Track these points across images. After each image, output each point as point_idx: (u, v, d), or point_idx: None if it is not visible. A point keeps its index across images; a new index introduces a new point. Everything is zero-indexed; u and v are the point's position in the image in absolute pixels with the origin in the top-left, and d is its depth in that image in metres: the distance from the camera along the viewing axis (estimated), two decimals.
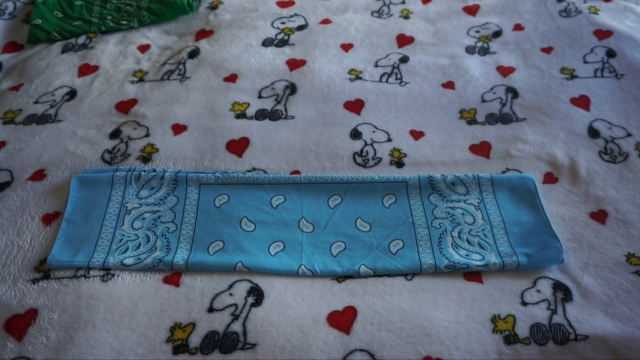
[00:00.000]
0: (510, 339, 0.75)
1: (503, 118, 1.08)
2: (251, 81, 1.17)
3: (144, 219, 0.90)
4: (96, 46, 1.28)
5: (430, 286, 0.82)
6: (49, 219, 0.91)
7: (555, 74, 1.18)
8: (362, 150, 1.02)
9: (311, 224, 0.90)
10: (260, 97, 1.14)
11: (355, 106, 1.11)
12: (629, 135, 1.04)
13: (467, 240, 0.87)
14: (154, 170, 0.95)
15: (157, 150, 1.02)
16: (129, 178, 0.93)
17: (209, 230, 0.88)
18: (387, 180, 0.94)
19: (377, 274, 0.83)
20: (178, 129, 1.07)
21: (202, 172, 0.96)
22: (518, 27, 1.31)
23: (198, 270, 0.83)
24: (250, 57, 1.23)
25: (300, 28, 1.33)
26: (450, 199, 0.92)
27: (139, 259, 0.84)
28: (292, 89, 1.15)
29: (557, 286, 0.81)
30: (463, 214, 0.90)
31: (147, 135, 1.05)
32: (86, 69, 1.22)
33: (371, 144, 1.03)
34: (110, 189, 0.93)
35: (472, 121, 1.08)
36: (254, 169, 0.99)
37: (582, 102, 1.11)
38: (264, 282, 0.82)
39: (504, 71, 1.19)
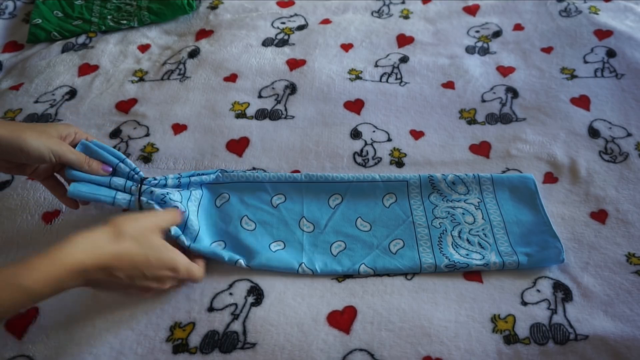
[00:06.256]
0: (510, 338, 0.75)
1: (503, 118, 1.08)
2: (251, 81, 1.17)
3: None
4: (96, 46, 1.28)
5: (430, 286, 0.81)
6: (49, 217, 0.91)
7: (555, 74, 1.18)
8: (362, 150, 1.02)
9: (311, 224, 0.90)
10: (260, 96, 1.14)
11: (355, 106, 1.11)
12: (629, 135, 1.04)
13: (467, 240, 0.87)
14: (155, 179, 0.89)
15: (157, 149, 1.02)
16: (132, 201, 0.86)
17: (210, 230, 0.88)
18: (387, 179, 0.94)
19: (377, 274, 0.83)
20: (178, 128, 1.07)
21: (204, 173, 0.93)
22: (518, 27, 1.31)
23: (198, 256, 0.82)
24: (250, 57, 1.23)
25: (300, 28, 1.33)
26: (451, 198, 0.92)
27: None
28: (292, 88, 1.15)
29: (557, 286, 0.81)
30: (463, 214, 0.90)
31: (147, 135, 1.05)
32: (86, 69, 1.22)
33: (371, 144, 1.03)
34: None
35: (472, 121, 1.08)
36: (254, 168, 0.99)
37: (582, 102, 1.10)
38: (263, 282, 0.82)
39: (504, 71, 1.19)
